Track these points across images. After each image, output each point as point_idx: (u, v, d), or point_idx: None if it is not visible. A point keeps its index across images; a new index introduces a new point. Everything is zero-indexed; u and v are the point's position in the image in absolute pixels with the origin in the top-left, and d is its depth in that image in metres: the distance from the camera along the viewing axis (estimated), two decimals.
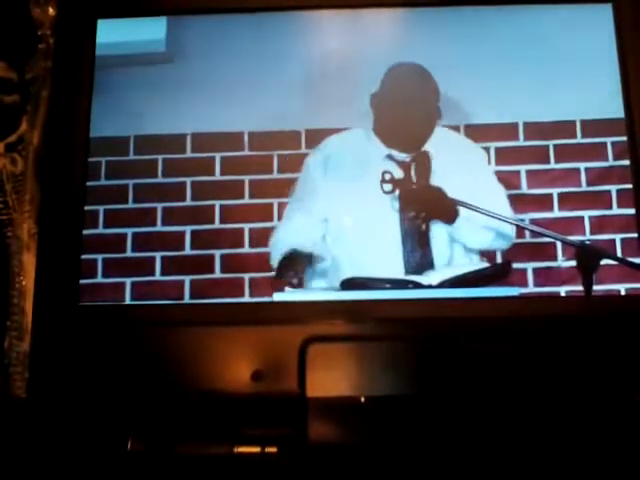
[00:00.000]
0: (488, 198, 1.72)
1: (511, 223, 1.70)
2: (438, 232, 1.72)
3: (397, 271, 1.68)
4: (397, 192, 1.73)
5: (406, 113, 1.79)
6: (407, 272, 1.68)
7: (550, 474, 1.48)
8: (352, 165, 1.75)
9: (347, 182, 1.74)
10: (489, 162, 1.75)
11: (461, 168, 1.75)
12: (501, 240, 1.71)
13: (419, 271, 1.68)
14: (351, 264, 1.69)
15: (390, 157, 1.75)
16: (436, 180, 1.74)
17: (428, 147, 1.76)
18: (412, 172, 1.75)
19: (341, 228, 1.72)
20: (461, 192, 1.71)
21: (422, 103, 1.78)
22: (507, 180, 1.75)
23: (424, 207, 1.72)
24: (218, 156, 1.77)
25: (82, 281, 1.68)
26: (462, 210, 1.71)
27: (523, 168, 1.75)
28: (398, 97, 1.78)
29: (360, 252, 1.71)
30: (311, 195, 1.74)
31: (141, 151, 1.77)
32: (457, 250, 1.72)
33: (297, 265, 1.69)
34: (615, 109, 1.75)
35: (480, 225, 1.71)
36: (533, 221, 1.71)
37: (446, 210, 1.72)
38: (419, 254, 1.70)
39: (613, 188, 1.73)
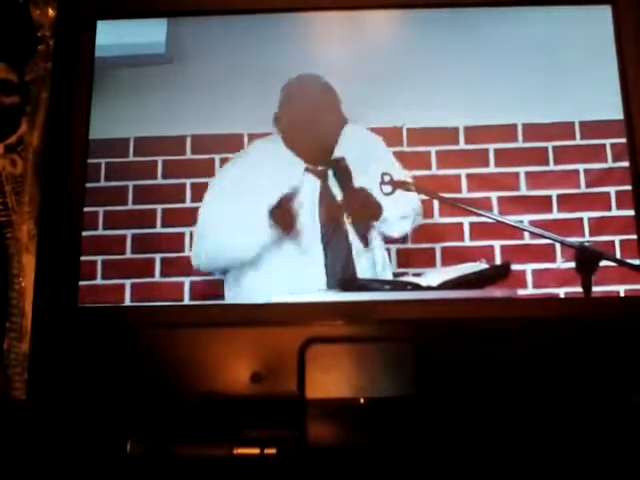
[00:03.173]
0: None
1: (511, 225, 1.70)
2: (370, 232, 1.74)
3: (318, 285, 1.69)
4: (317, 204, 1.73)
5: (313, 127, 1.79)
6: (329, 286, 1.69)
7: (549, 474, 1.48)
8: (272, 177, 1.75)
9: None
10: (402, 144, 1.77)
11: (367, 159, 1.76)
12: (412, 217, 1.74)
13: (340, 284, 1.69)
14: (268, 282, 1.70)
15: (307, 170, 1.76)
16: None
17: (339, 152, 1.76)
18: (329, 181, 1.75)
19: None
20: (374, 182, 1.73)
21: (325, 115, 1.79)
22: (506, 181, 1.75)
23: (350, 212, 1.73)
24: (217, 157, 1.78)
25: (81, 282, 1.67)
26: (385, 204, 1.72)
27: (522, 170, 1.76)
28: (301, 113, 1.79)
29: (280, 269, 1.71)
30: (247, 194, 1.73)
31: (141, 153, 1.78)
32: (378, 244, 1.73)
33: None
34: (614, 111, 1.75)
35: (399, 216, 1.72)
36: (532, 223, 1.72)
37: (372, 209, 1.73)
38: (340, 263, 1.71)
39: (612, 190, 1.73)
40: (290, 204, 1.70)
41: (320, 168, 1.76)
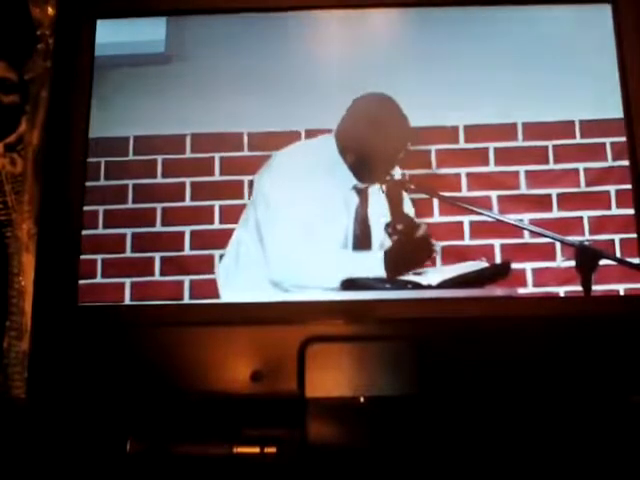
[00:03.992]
0: None
1: (511, 224, 1.70)
2: None
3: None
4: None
5: (373, 146, 1.76)
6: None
7: (549, 474, 1.48)
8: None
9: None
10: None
11: None
12: None
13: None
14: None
15: (355, 188, 1.75)
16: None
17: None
18: (369, 200, 1.74)
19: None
20: None
21: (390, 134, 1.77)
22: (506, 180, 1.75)
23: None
24: (217, 156, 1.77)
25: (81, 281, 1.67)
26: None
27: (522, 169, 1.75)
28: (364, 132, 1.76)
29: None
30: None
31: (140, 152, 1.77)
32: None
33: None
34: (614, 109, 1.75)
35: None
36: (532, 221, 1.71)
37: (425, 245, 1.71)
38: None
39: (612, 188, 1.73)
40: None
41: (366, 186, 1.74)
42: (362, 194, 1.73)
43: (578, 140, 1.77)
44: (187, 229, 1.73)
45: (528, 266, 1.70)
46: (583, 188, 1.74)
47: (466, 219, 1.74)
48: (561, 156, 1.76)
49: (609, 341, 1.57)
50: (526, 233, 1.71)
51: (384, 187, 1.72)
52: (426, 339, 1.56)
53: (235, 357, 1.59)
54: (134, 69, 1.83)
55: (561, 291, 1.68)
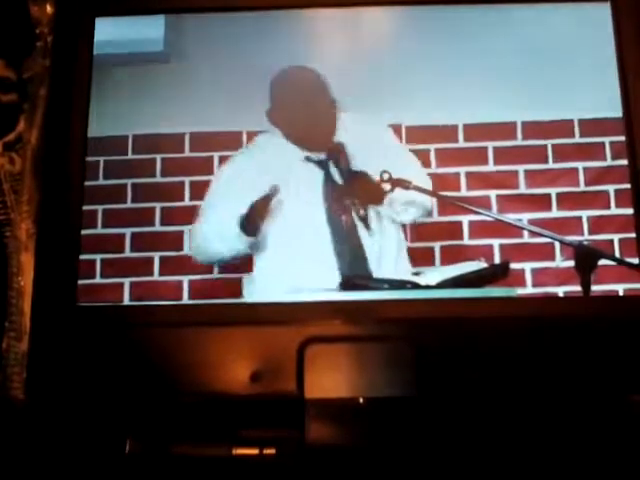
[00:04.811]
0: (407, 170, 1.74)
1: (510, 224, 1.70)
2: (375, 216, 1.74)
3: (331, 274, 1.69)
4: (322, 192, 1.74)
5: (306, 116, 1.79)
6: (340, 269, 1.69)
7: (549, 473, 1.48)
8: (276, 170, 1.75)
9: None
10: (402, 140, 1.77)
11: (376, 148, 1.76)
12: (421, 211, 1.74)
13: (354, 265, 1.69)
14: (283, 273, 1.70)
15: (308, 159, 1.76)
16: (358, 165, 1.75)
17: (338, 138, 1.77)
18: (331, 169, 1.75)
19: (274, 236, 1.72)
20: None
21: (317, 100, 1.79)
22: (505, 180, 1.75)
23: (355, 195, 1.73)
24: (216, 155, 1.77)
25: (80, 281, 1.67)
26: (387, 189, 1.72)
27: (521, 168, 1.75)
28: (293, 104, 1.79)
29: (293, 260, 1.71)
30: (237, 194, 1.73)
31: (139, 150, 1.77)
32: (387, 227, 1.73)
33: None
34: (613, 109, 1.75)
35: (404, 201, 1.72)
36: (531, 221, 1.72)
37: (373, 192, 1.72)
38: (349, 250, 1.71)
39: (611, 188, 1.73)
40: (263, 207, 1.69)
41: (321, 157, 1.75)
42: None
43: (577, 139, 1.77)
44: (186, 228, 1.73)
45: (527, 266, 1.70)
46: (582, 187, 1.74)
47: (465, 219, 1.74)
48: (560, 155, 1.76)
49: (608, 341, 1.57)
50: (525, 233, 1.71)
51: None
52: (425, 340, 1.56)
53: (234, 358, 1.59)
54: (133, 67, 1.83)
55: (560, 291, 1.68)
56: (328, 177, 1.75)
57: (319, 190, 1.74)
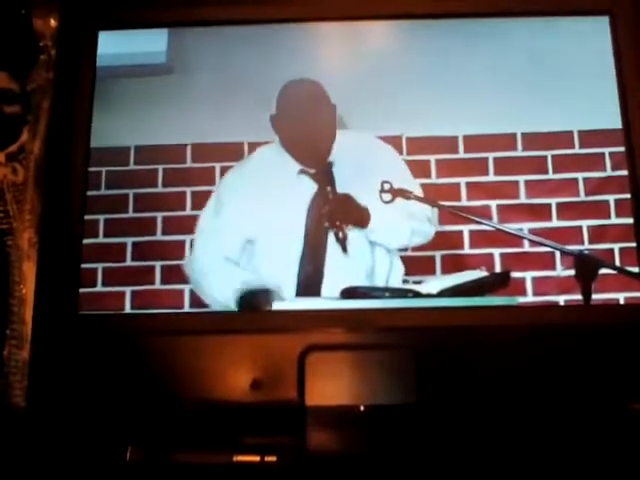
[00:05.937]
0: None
1: (511, 233, 1.70)
2: (357, 239, 1.73)
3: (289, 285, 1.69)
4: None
5: (308, 129, 1.80)
6: (298, 286, 1.69)
7: None
8: (270, 182, 1.76)
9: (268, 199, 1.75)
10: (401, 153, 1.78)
11: (371, 166, 1.76)
12: (419, 237, 1.73)
13: (309, 285, 1.69)
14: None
15: (303, 172, 1.77)
16: (346, 186, 1.74)
17: (333, 157, 1.77)
18: (321, 186, 1.75)
19: (265, 246, 1.73)
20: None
21: (319, 118, 1.79)
22: (506, 190, 1.75)
23: (337, 215, 1.73)
24: (218, 166, 1.78)
25: (82, 290, 1.68)
26: (373, 212, 1.72)
27: (522, 178, 1.76)
28: (297, 115, 1.80)
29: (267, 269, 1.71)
30: (231, 212, 1.74)
31: (141, 161, 1.78)
32: (378, 253, 1.73)
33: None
34: (613, 120, 1.75)
35: (395, 224, 1.72)
36: (532, 231, 1.72)
37: (357, 214, 1.72)
38: (312, 268, 1.71)
39: (611, 198, 1.74)
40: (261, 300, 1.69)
41: (314, 172, 1.76)
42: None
43: (577, 150, 1.77)
44: (187, 238, 1.73)
45: (528, 275, 1.70)
46: (582, 197, 1.74)
47: (466, 228, 1.74)
48: (560, 166, 1.76)
49: (609, 349, 1.57)
50: (526, 242, 1.72)
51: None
52: (425, 348, 1.56)
53: (235, 365, 1.59)
54: (136, 80, 1.84)
55: (561, 300, 1.68)
56: (317, 193, 1.75)
57: (305, 205, 1.74)
